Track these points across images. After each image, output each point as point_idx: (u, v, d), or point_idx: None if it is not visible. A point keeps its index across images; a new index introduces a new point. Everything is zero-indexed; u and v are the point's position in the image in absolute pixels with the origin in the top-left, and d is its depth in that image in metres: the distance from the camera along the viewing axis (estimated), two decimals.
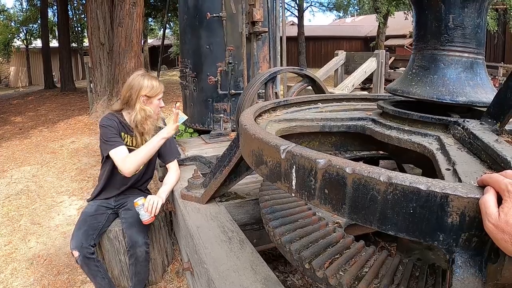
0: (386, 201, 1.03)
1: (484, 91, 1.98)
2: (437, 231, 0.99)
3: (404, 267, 1.52)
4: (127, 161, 3.08)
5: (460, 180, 1.34)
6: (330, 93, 10.46)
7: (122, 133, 3.24)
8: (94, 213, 3.19)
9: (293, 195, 1.31)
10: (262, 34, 5.02)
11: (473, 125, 1.74)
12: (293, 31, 29.91)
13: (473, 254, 1.00)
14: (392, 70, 15.41)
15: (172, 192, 3.36)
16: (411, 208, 1.00)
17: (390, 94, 2.28)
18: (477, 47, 2.03)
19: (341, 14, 40.00)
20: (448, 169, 1.46)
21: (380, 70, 13.05)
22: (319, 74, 13.73)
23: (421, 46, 2.11)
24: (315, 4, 30.67)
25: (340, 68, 14.44)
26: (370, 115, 2.24)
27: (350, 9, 38.92)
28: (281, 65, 5.72)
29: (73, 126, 10.79)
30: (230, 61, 5.03)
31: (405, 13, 21.74)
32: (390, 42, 33.08)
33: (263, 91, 3.78)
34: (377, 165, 3.27)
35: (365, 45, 37.22)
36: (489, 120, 1.79)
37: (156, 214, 3.04)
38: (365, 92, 13.80)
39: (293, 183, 1.27)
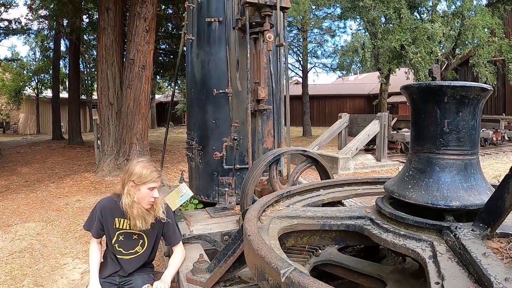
0: None
1: (477, 193, 2.07)
2: None
3: None
4: (90, 249, 3.42)
5: None
6: (334, 157, 10.65)
7: (117, 218, 3.33)
8: None
9: None
10: (266, 110, 5.20)
11: (464, 233, 1.83)
12: (297, 90, 30.50)
13: None
14: (395, 132, 15.62)
15: (177, 272, 3.42)
16: None
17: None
18: (471, 148, 2.13)
19: (344, 72, 40.74)
20: (437, 283, 1.56)
21: (383, 132, 13.30)
22: (323, 137, 14.00)
23: (418, 149, 2.23)
24: (318, 65, 31.29)
25: (343, 131, 14.72)
26: (368, 212, 2.34)
27: (353, 67, 39.67)
28: (285, 124, 5.86)
29: (79, 184, 10.91)
30: (235, 137, 5.17)
31: (406, 72, 22.24)
32: (393, 99, 33.63)
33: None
34: (377, 249, 3.33)
35: (369, 102, 37.82)
36: (481, 225, 1.89)
37: None
38: (369, 155, 13.96)
39: None
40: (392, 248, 1.98)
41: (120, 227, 3.33)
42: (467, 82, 2.10)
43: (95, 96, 34.94)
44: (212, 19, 5.29)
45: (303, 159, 4.17)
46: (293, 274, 1.38)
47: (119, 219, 3.33)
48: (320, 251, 3.06)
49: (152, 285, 3.17)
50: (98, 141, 12.53)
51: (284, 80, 5.84)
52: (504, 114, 22.26)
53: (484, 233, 1.85)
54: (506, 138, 18.30)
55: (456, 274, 1.61)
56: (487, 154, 15.61)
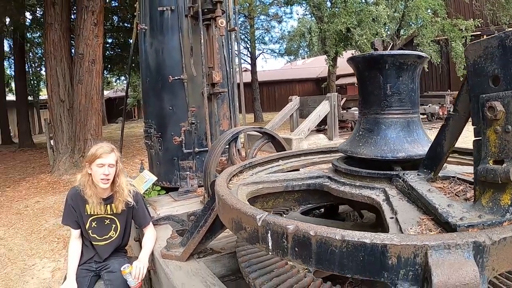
0: (342, 253, 1.36)
1: (420, 145, 2.35)
2: (381, 270, 1.32)
3: None
4: (69, 246, 3.53)
5: (400, 227, 1.69)
6: (287, 138, 10.88)
7: (87, 205, 3.44)
8: (77, 276, 3.34)
9: (269, 253, 1.62)
10: (221, 93, 5.39)
11: (411, 177, 2.10)
12: (247, 78, 30.62)
13: (410, 284, 1.31)
14: (345, 111, 16.07)
15: (152, 252, 3.58)
16: (360, 256, 1.33)
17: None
18: (412, 108, 2.43)
19: (292, 57, 41.11)
20: (392, 218, 1.81)
21: (333, 112, 13.66)
22: (275, 120, 14.24)
23: (365, 112, 2.50)
24: (266, 51, 31.51)
25: (295, 113, 14.99)
26: (326, 172, 2.59)
27: (300, 51, 40.03)
28: (240, 111, 6.07)
29: (36, 185, 10.70)
30: (193, 121, 5.35)
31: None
32: (341, 81, 34.25)
33: (227, 146, 4.12)
34: (337, 210, 3.61)
35: (317, 85, 38.30)
36: (425, 171, 2.16)
37: (142, 279, 3.28)
38: (321, 135, 14.35)
39: (270, 244, 1.58)
40: (350, 198, 2.23)
41: (92, 213, 3.45)
42: (405, 51, 2.38)
43: (42, 97, 33.98)
44: (165, 8, 5.43)
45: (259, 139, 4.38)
46: (268, 218, 1.60)
47: (90, 205, 3.44)
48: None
49: (130, 264, 3.31)
50: (51, 141, 12.31)
51: (237, 64, 6.04)
52: (449, 90, 23.32)
53: (429, 176, 2.12)
54: None
55: (407, 209, 1.87)
56: (434, 128, 16.30)
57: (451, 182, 2.13)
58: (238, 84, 5.99)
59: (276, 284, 2.09)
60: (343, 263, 1.37)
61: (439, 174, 2.18)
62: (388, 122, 2.38)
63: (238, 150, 5.11)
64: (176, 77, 5.38)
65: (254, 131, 4.42)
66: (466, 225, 1.53)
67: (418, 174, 2.14)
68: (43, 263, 5.51)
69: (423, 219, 1.74)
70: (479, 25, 19.89)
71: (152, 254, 3.55)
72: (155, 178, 4.82)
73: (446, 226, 1.61)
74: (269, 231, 1.58)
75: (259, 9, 26.66)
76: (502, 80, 1.55)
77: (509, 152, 1.53)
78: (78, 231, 3.50)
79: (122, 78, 28.40)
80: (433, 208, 1.72)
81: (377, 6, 17.50)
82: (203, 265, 3.07)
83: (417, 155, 2.28)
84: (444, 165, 2.32)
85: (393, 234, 1.35)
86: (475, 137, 1.71)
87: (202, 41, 5.09)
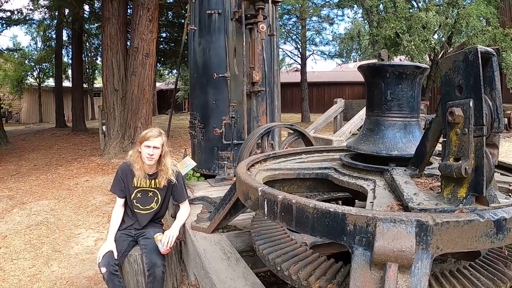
0: (313, 218, 1.78)
1: (414, 145, 2.68)
2: (342, 235, 1.72)
3: (344, 269, 2.24)
4: (113, 212, 4.09)
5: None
6: (328, 139, 11.10)
7: (135, 178, 4.02)
8: (118, 239, 3.88)
9: (265, 217, 2.07)
10: (260, 92, 5.86)
11: (398, 172, 2.49)
12: (297, 77, 30.82)
13: (364, 248, 1.69)
14: None
15: (183, 225, 4.10)
16: (326, 221, 1.74)
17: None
18: (410, 113, 2.80)
19: (343, 59, 40.71)
20: (371, 202, 2.21)
21: None
22: (319, 121, 14.45)
23: (369, 114, 2.90)
24: (316, 52, 31.46)
25: (339, 115, 15.11)
26: (334, 165, 3.01)
27: (352, 54, 39.56)
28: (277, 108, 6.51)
29: (87, 166, 11.27)
30: (233, 115, 5.86)
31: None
32: None
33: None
34: (353, 203, 3.98)
35: None
36: (412, 168, 2.54)
37: (172, 246, 3.79)
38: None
39: (265, 210, 2.03)
40: (347, 186, 2.64)
41: (138, 185, 4.02)
42: (404, 62, 2.75)
43: (96, 85, 35.41)
44: (212, 11, 5.98)
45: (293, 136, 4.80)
46: (266, 189, 2.05)
47: (134, 179, 4.02)
48: None
49: (163, 233, 3.83)
50: (103, 127, 13.01)
51: (276, 66, 6.49)
52: None
53: (414, 173, 2.50)
54: None
55: (385, 196, 2.26)
56: None
57: (433, 179, 2.50)
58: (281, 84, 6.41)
59: (276, 250, 2.52)
60: (314, 226, 1.79)
61: (426, 172, 2.55)
62: (387, 124, 2.76)
63: (272, 144, 5.57)
64: (220, 75, 5.92)
65: (285, 127, 4.85)
66: (419, 208, 1.90)
67: (405, 170, 2.52)
68: (88, 233, 6.02)
69: (394, 204, 2.12)
70: None
71: (184, 226, 4.07)
72: (194, 164, 5.34)
73: (406, 209, 1.98)
74: (265, 199, 2.03)
75: (311, 10, 26.74)
76: (464, 90, 1.87)
77: (465, 151, 1.85)
78: (123, 200, 4.08)
79: (174, 71, 29.29)
80: (401, 195, 2.11)
81: (427, 13, 17.34)
82: (224, 237, 3.56)
83: (409, 154, 2.64)
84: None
85: (351, 208, 1.74)
86: (443, 138, 2.06)
87: (244, 43, 5.56)
